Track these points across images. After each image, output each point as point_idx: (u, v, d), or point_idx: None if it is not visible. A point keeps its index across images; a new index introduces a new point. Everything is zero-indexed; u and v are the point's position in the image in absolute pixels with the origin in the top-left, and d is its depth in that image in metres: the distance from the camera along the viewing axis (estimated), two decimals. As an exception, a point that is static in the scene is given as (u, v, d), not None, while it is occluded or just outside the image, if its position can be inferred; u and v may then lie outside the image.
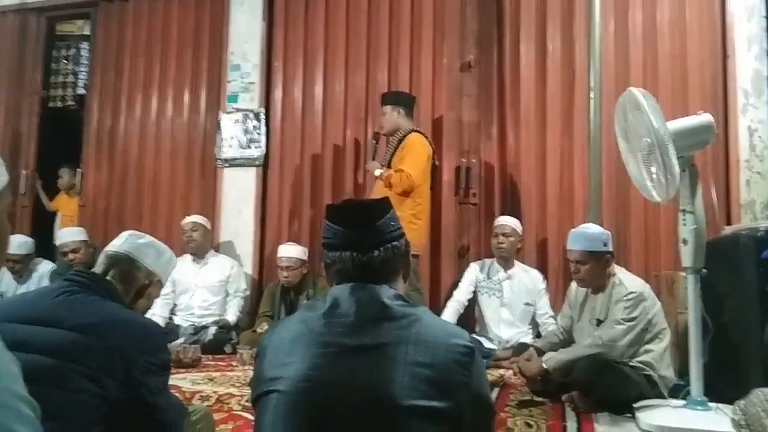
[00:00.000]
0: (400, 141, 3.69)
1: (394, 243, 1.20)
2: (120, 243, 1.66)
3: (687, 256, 2.41)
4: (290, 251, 4.02)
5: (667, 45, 3.95)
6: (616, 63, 4.01)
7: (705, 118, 2.42)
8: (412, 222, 3.44)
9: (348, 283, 1.16)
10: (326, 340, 1.09)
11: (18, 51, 5.41)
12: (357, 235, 1.18)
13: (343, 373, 1.05)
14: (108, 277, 1.59)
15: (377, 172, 3.64)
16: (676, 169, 2.25)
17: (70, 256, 4.09)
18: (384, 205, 1.23)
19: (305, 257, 4.06)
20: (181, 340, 3.78)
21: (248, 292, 4.37)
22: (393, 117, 3.77)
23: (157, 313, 3.93)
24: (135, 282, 1.63)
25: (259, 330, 3.90)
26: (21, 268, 4.11)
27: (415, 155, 3.61)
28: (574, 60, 4.10)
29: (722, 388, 2.46)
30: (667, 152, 2.25)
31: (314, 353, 1.08)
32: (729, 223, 3.51)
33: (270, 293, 4.15)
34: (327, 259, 1.21)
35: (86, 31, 5.52)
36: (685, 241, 2.41)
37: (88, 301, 1.45)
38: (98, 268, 1.61)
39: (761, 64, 3.74)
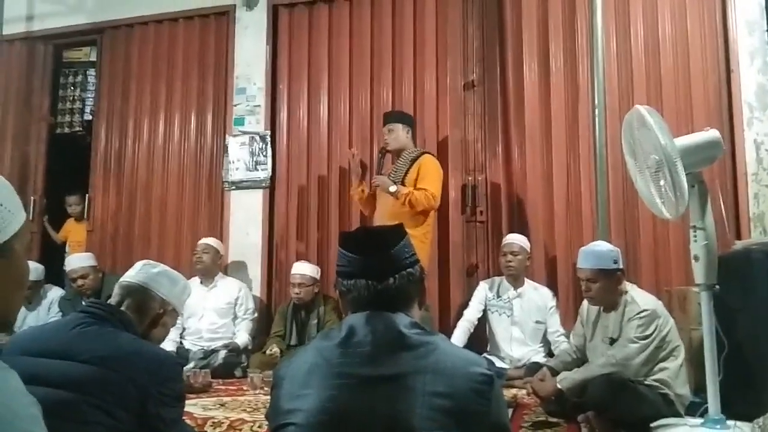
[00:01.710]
0: (413, 161, 3.70)
1: (409, 270, 1.19)
2: (134, 273, 1.68)
3: (699, 272, 2.38)
4: (304, 268, 4.07)
5: (670, 60, 3.96)
6: (619, 79, 4.03)
7: (712, 134, 2.41)
8: (422, 242, 3.45)
9: (364, 311, 1.15)
10: (343, 371, 1.08)
11: (26, 78, 5.48)
12: (372, 262, 1.17)
13: (360, 404, 1.05)
14: (122, 308, 1.60)
15: (392, 189, 3.63)
16: (685, 185, 2.24)
17: (79, 282, 4.09)
18: (398, 231, 1.23)
19: (317, 276, 4.08)
20: (191, 364, 3.77)
21: (256, 314, 4.36)
22: (402, 135, 3.80)
23: (169, 336, 3.90)
24: (149, 311, 1.64)
25: (268, 352, 3.89)
26: (31, 294, 4.11)
27: (435, 176, 3.65)
28: (577, 77, 4.12)
29: (739, 404, 2.43)
30: (676, 169, 2.25)
31: (331, 384, 1.07)
32: (739, 238, 3.49)
33: (281, 313, 4.17)
34: (342, 287, 1.20)
35: (93, 58, 5.59)
36: (696, 258, 2.39)
37: (102, 333, 1.47)
38: (113, 299, 1.63)
39: (765, 77, 3.75)
